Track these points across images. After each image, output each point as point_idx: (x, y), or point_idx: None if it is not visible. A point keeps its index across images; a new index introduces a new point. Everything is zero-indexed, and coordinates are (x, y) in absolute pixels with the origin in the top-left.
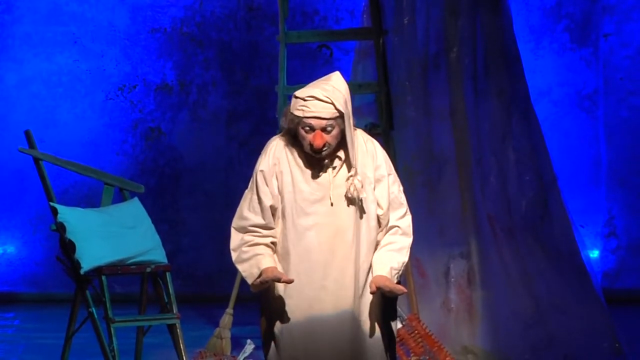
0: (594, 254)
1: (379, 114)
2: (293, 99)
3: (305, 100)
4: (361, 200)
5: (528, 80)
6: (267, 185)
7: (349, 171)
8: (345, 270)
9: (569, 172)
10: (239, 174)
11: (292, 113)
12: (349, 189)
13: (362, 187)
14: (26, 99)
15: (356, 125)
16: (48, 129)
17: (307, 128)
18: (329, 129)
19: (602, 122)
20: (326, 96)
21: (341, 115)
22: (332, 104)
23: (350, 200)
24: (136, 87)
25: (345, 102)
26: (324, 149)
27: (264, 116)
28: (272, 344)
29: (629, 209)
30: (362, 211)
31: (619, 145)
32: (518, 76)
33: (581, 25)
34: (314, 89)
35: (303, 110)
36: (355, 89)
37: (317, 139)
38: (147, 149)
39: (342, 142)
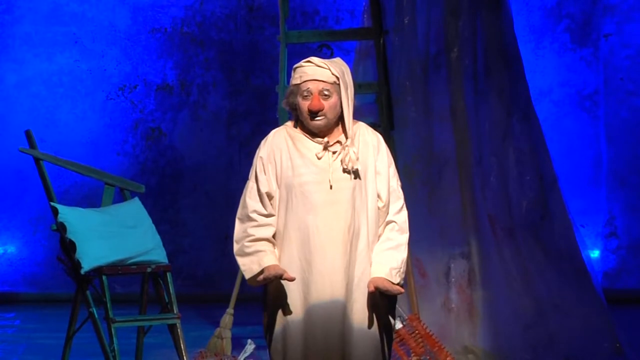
0: (595, 254)
1: (379, 114)
2: (293, 73)
3: (302, 66)
4: (355, 172)
5: (528, 80)
6: (265, 173)
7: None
8: (342, 256)
9: (570, 172)
10: (239, 174)
11: (291, 85)
12: (344, 158)
13: (357, 159)
14: (26, 99)
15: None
16: (48, 129)
17: (305, 93)
18: (326, 92)
19: (602, 122)
20: (323, 62)
21: (338, 83)
22: (329, 69)
23: (346, 172)
24: (137, 87)
25: (343, 73)
26: (321, 113)
27: (265, 116)
28: (274, 333)
29: (629, 209)
30: (361, 196)
31: (619, 145)
32: (518, 76)
33: (582, 26)
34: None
35: (301, 76)
36: (355, 89)
37: (314, 101)
38: (147, 149)
39: (342, 125)
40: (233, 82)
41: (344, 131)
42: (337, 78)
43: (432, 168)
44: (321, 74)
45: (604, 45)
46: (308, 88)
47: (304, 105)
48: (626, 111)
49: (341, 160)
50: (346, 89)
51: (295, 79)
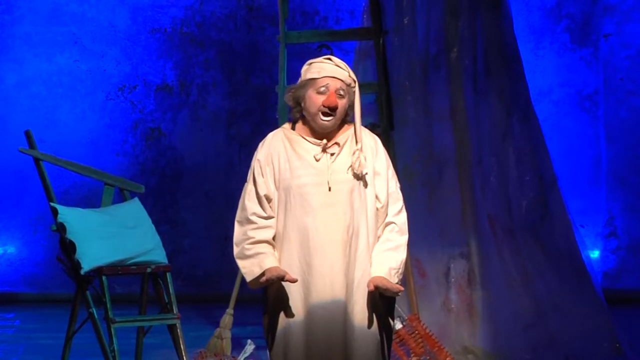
0: (594, 254)
1: (379, 114)
2: (306, 67)
3: (323, 62)
4: (363, 178)
5: (528, 81)
6: (262, 176)
7: (349, 154)
8: (342, 257)
9: (569, 172)
10: (239, 174)
11: (304, 79)
12: (354, 163)
13: (365, 162)
14: (26, 99)
15: None
16: (48, 129)
17: (322, 89)
18: (341, 92)
19: (602, 122)
20: (342, 63)
21: (353, 87)
22: (348, 72)
23: (355, 176)
24: (136, 88)
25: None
26: (335, 112)
27: (265, 116)
28: (275, 335)
29: (629, 209)
30: (360, 197)
31: (619, 145)
32: (518, 76)
33: (581, 26)
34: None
35: (319, 71)
36: None
37: (332, 97)
38: (147, 149)
39: (341, 127)
40: (233, 82)
41: (355, 135)
42: (354, 81)
43: (432, 168)
44: (341, 74)
45: (604, 45)
46: (327, 84)
47: (318, 99)
48: (626, 111)
49: (351, 164)
50: (359, 93)
51: (313, 73)
